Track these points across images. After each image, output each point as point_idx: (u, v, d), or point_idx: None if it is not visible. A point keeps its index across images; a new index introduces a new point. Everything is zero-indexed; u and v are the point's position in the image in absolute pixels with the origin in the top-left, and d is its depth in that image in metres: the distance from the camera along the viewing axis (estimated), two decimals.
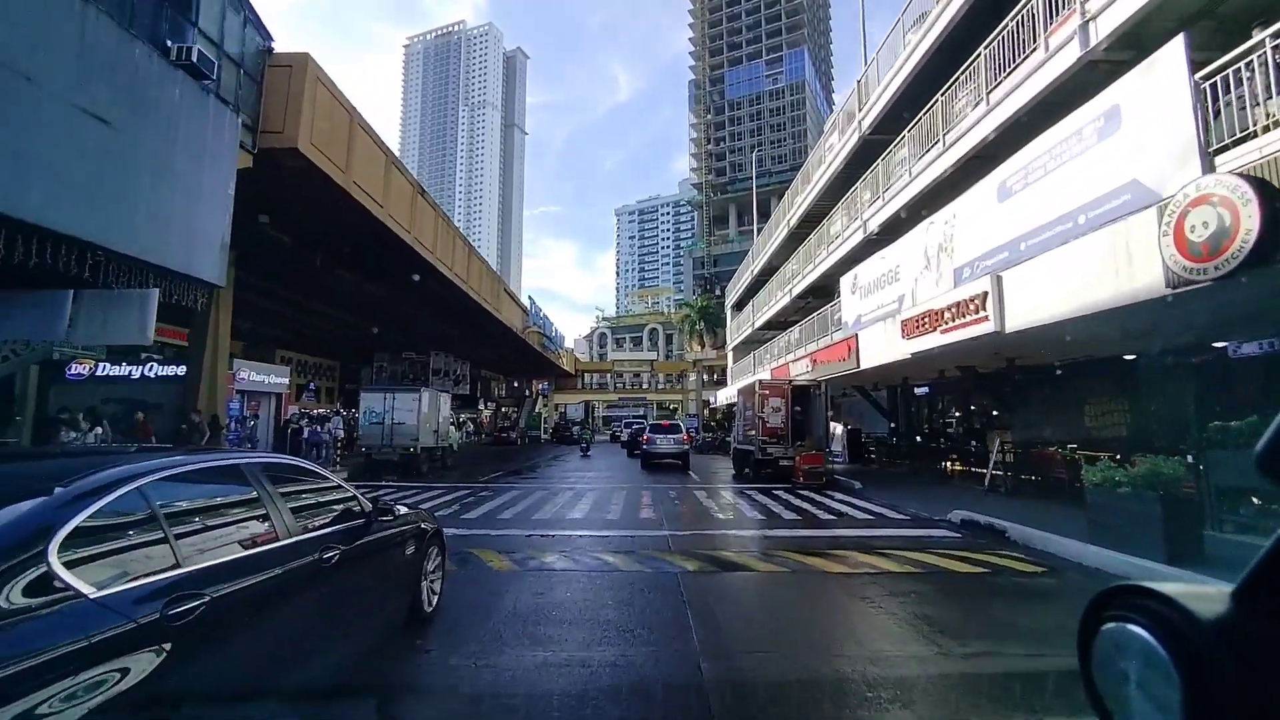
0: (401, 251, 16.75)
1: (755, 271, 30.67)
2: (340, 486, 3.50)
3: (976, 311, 8.31)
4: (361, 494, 3.63)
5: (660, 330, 78.33)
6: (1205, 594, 0.64)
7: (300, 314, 25.28)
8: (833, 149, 19.31)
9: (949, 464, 16.58)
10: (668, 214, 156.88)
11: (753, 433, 15.02)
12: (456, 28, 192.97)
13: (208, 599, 2.07)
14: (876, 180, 15.18)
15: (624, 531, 8.25)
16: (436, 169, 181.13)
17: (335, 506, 3.29)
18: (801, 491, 12.72)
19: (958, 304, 8.82)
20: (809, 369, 16.44)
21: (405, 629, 4.02)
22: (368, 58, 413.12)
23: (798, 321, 23.33)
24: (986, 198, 9.84)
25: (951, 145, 11.47)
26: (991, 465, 11.28)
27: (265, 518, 2.66)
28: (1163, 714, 0.62)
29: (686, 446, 20.35)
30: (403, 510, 4.19)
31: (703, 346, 56.25)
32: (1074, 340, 8.41)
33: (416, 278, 19.02)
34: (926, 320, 9.86)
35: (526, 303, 32.53)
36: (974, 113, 10.70)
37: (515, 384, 58.09)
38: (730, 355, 37.52)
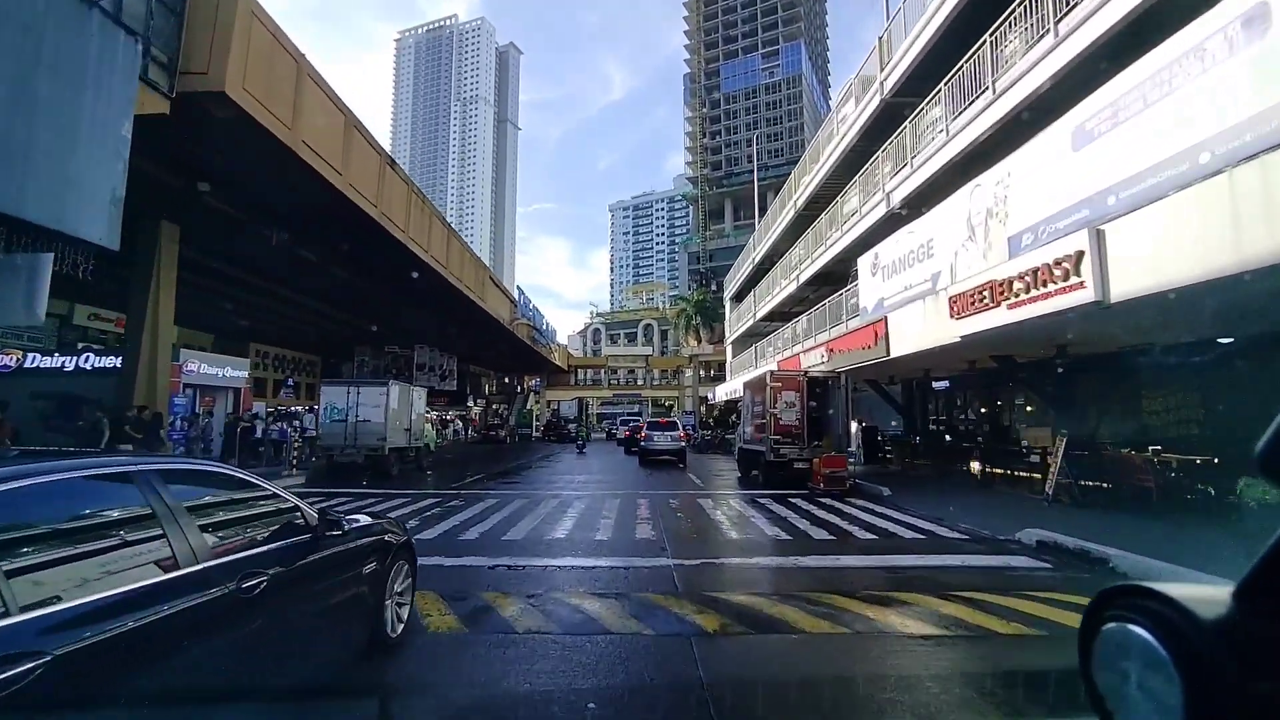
0: (368, 229, 14.89)
1: (757, 259, 28.94)
2: (278, 496, 2.98)
3: (1066, 278, 6.54)
4: (309, 504, 3.13)
5: (655, 326, 77.07)
6: (1205, 594, 0.64)
7: (273, 303, 23.49)
8: (847, 120, 17.55)
9: (976, 466, 14.90)
10: (662, 209, 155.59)
11: (763, 431, 13.29)
12: (448, 22, 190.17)
13: (47, 659, 1.57)
14: (902, 147, 13.43)
15: (616, 560, 6.45)
16: (428, 165, 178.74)
17: (270, 521, 2.81)
18: (822, 500, 10.98)
19: (1035, 271, 7.05)
20: (824, 360, 14.70)
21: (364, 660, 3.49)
22: (360, 53, 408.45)
23: (803, 311, 21.61)
24: (1056, 147, 8.09)
25: (1003, 93, 9.73)
26: (1055, 470, 9.52)
27: (161, 540, 2.11)
28: (1163, 714, 0.61)
29: (683, 444, 20.67)
30: (363, 520, 3.67)
31: (699, 341, 54.55)
32: (1189, 315, 6.67)
33: (388, 261, 17.20)
34: (987, 294, 8.09)
35: (515, 294, 30.69)
36: (1034, 51, 8.95)
37: (506, 380, 56.32)
38: (729, 349, 35.80)
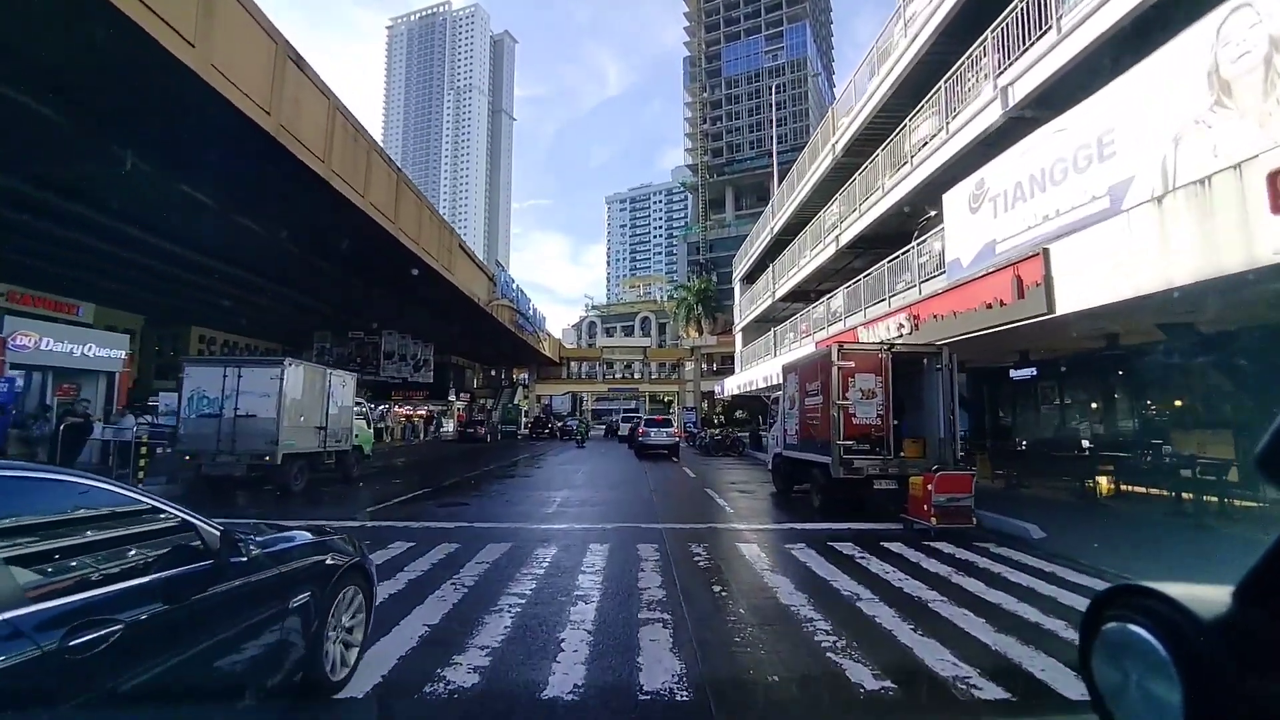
0: (270, 156, 10.56)
1: (775, 230, 24.57)
2: (162, 512, 2.31)
3: None
4: (206, 522, 2.41)
5: (653, 319, 73.50)
6: (1206, 594, 0.64)
7: (214, 282, 19.29)
8: (916, 19, 13.19)
9: (1104, 482, 10.70)
10: (660, 202, 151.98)
11: (819, 432, 9.03)
12: (441, 9, 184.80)
13: None
14: (1021, 19, 9.13)
15: None
16: (421, 155, 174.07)
17: (147, 546, 2.17)
18: (942, 548, 6.71)
19: None
20: (903, 331, 10.38)
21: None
22: (351, 43, 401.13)
23: (836, 286, 17.38)
24: None
25: None
26: None
27: None
28: (1163, 714, 0.61)
29: (677, 440, 22.09)
30: (299, 538, 2.98)
31: (701, 333, 50.27)
32: None
33: (316, 209, 12.82)
34: None
35: (494, 270, 26.23)
36: None
37: (493, 373, 51.90)
38: (739, 337, 31.44)
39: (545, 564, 6.04)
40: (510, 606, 4.62)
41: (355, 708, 3.07)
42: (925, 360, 8.93)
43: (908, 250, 12.55)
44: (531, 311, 34.78)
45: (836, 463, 8.44)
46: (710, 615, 4.53)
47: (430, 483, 12.83)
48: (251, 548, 2.57)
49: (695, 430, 36.60)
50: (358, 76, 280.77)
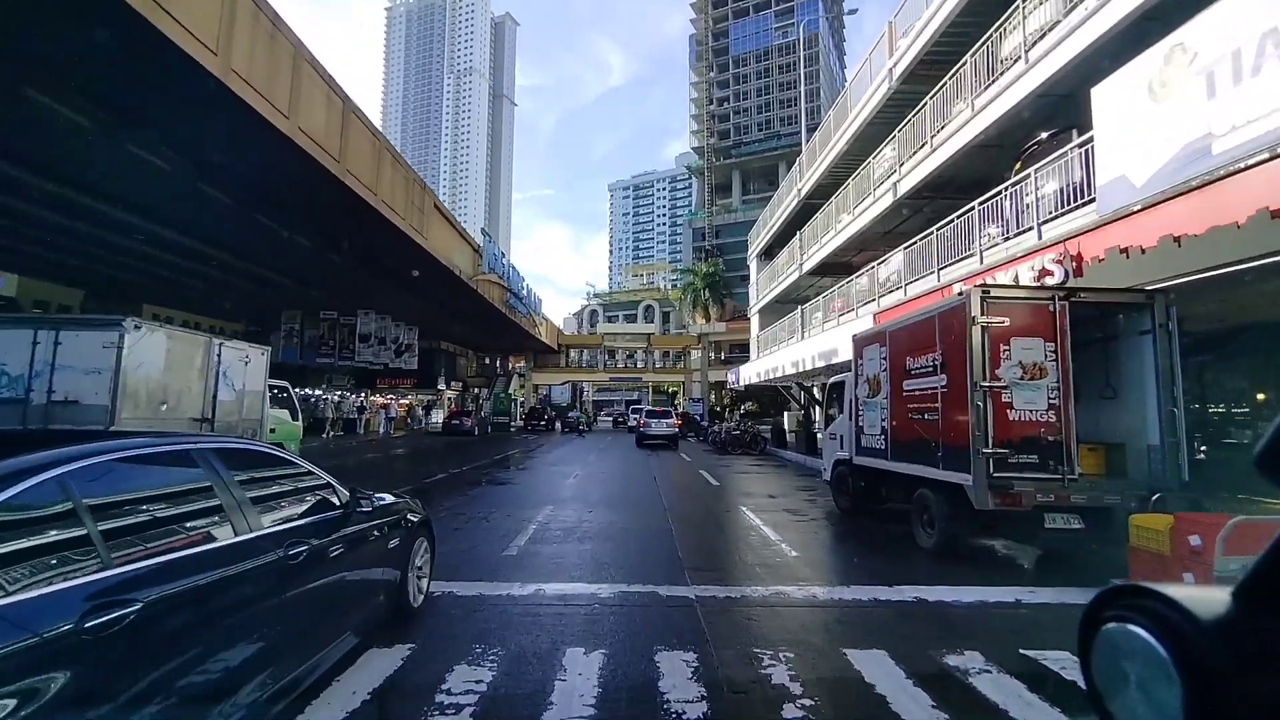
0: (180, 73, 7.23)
1: (804, 193, 21.01)
2: (312, 473, 3.18)
3: None
4: (337, 482, 3.29)
5: (657, 307, 70.45)
6: (1205, 594, 0.63)
7: (168, 254, 16.48)
8: None
9: None
10: (664, 189, 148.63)
11: (933, 432, 5.68)
12: None
13: (139, 605, 1.78)
14: None
15: None
16: (420, 140, 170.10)
17: (306, 496, 3.02)
18: None
19: None
20: (1062, 269, 6.87)
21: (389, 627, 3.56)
22: (351, 27, 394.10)
23: (876, 256, 14.07)
24: None
25: None
26: None
27: (219, 510, 2.35)
28: (1163, 714, 0.61)
29: (676, 430, 22.85)
30: (387, 499, 3.82)
31: (708, 319, 46.71)
32: None
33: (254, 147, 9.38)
34: None
35: (479, 240, 22.74)
36: None
37: (487, 361, 48.49)
38: (755, 320, 27.93)
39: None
40: None
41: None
42: (1121, 317, 5.51)
43: (1022, 179, 9.06)
44: (525, 291, 31.29)
45: (982, 485, 5.05)
46: None
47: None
48: (366, 505, 3.34)
49: (704, 423, 33.97)
50: (357, 61, 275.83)
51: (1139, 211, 5.83)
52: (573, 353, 52.10)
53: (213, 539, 2.21)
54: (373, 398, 32.70)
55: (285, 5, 10.10)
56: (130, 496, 2.09)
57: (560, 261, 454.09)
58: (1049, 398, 5.17)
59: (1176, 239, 5.23)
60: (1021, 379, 5.16)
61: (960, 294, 5.50)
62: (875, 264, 14.32)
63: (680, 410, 36.71)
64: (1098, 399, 5.70)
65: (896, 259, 13.07)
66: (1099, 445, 5.57)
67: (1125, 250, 5.83)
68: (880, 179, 14.74)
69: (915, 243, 12.29)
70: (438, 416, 34.92)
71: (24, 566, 1.61)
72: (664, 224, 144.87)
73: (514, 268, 29.24)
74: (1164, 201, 5.62)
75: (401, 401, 34.15)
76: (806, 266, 19.55)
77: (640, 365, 50.63)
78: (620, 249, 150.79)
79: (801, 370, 17.67)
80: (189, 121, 9.81)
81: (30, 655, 1.46)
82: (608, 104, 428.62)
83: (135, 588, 1.78)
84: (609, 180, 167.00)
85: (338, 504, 3.12)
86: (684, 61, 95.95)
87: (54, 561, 1.69)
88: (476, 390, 45.80)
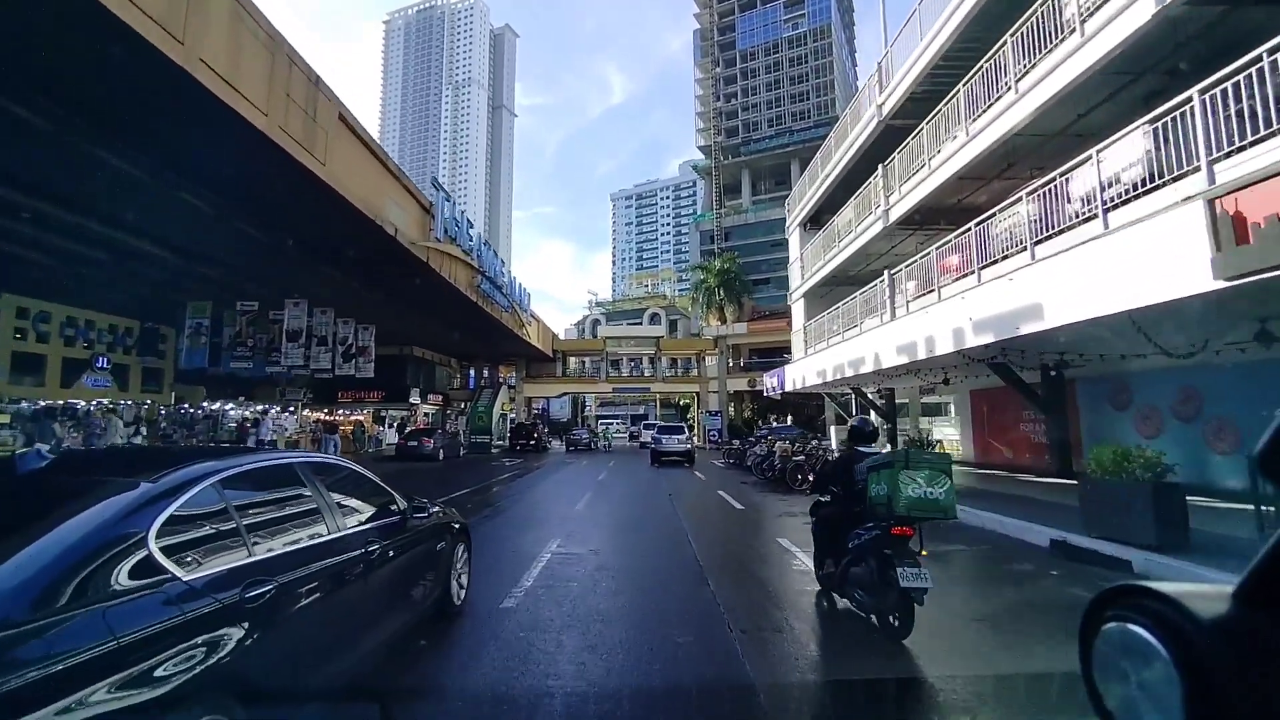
0: None
1: (886, 110, 14.87)
2: (378, 484, 3.68)
3: None
4: (396, 491, 3.81)
5: (663, 315, 64.25)
6: (1206, 594, 0.63)
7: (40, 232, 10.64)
8: None
9: None
10: (667, 197, 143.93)
11: None
12: (439, 1, 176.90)
13: (274, 585, 2.25)
14: None
15: None
16: (419, 152, 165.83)
17: (375, 503, 3.50)
18: None
19: None
20: None
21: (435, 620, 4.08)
22: (349, 41, 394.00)
23: (1032, 181, 7.97)
24: None
25: None
26: None
27: (316, 513, 2.85)
28: (1163, 714, 0.60)
29: (690, 446, 22.90)
30: (435, 508, 4.20)
31: (724, 321, 40.64)
32: None
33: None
34: None
35: (432, 195, 16.81)
36: None
37: (473, 371, 42.46)
38: (798, 307, 21.81)
39: None
40: None
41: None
42: None
43: None
44: (508, 279, 25.33)
45: None
46: None
47: None
48: (422, 513, 3.86)
49: (720, 441, 30.36)
50: (354, 72, 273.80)
51: None
52: (572, 362, 46.00)
53: (317, 535, 2.75)
54: (318, 415, 26.58)
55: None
56: (256, 499, 2.62)
57: (563, 279, 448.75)
58: None
59: None
60: None
61: None
62: (1032, 191, 8.18)
63: (722, 424, 35.74)
64: None
65: (1132, 142, 6.92)
66: None
67: None
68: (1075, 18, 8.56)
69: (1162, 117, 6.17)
70: (394, 437, 28.63)
71: (199, 550, 2.12)
72: (668, 232, 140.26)
73: (489, 246, 23.26)
74: None
75: (353, 418, 27.92)
76: (898, 212, 13.35)
77: (648, 375, 44.37)
78: (624, 259, 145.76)
79: (881, 369, 11.61)
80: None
81: (213, 618, 1.95)
82: (610, 122, 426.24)
83: (270, 570, 2.28)
84: (612, 189, 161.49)
85: (397, 510, 3.66)
86: (688, 77, 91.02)
87: (217, 548, 2.20)
88: (462, 405, 39.76)
